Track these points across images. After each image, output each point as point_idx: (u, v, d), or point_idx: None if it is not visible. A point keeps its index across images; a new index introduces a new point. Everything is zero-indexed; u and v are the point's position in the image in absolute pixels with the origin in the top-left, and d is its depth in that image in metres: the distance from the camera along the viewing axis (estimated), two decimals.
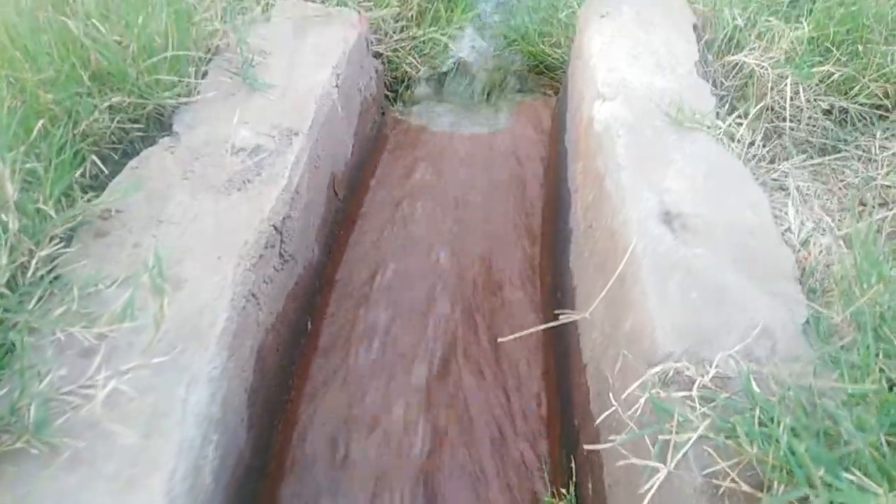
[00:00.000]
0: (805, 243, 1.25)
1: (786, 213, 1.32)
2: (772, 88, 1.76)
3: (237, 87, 1.43)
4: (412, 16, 2.16)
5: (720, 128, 1.44)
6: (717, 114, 1.55)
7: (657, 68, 1.59)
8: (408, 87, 2.33)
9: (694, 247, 1.10)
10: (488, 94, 2.44)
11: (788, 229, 1.28)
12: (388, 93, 2.27)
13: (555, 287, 1.58)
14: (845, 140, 1.64)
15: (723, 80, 1.88)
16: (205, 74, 1.47)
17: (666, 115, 1.42)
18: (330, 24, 1.69)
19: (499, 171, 1.90)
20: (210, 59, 1.51)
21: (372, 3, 1.95)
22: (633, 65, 1.59)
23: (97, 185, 1.20)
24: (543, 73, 2.51)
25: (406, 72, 2.25)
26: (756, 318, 0.99)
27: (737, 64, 1.86)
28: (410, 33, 2.16)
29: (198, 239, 1.08)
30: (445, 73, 2.41)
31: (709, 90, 1.56)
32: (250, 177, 1.22)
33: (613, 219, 1.23)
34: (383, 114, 2.09)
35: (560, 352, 1.46)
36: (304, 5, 1.77)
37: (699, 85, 1.56)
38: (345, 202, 1.68)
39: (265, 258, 1.16)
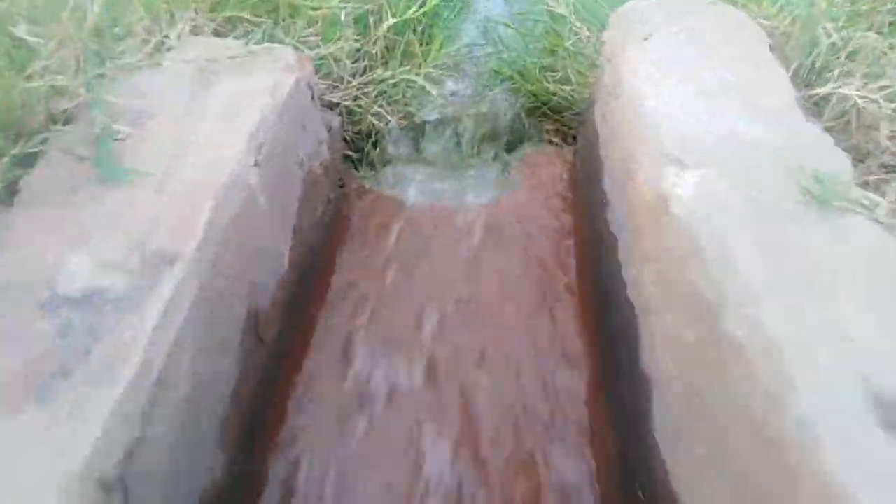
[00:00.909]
0: None
1: None
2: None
3: (84, 179, 0.86)
4: (377, 53, 1.62)
5: (878, 204, 0.90)
6: None
7: (745, 110, 1.05)
8: (376, 144, 1.77)
9: None
10: (479, 147, 1.90)
11: None
12: (351, 152, 1.72)
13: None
14: None
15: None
16: (36, 158, 0.90)
17: (796, 187, 0.87)
18: (252, 69, 1.13)
19: (507, 277, 1.31)
20: (48, 135, 0.94)
21: (319, 38, 1.40)
22: (710, 107, 1.05)
23: None
24: (547, 116, 1.97)
25: (373, 124, 1.70)
26: None
27: (829, 97, 1.34)
28: (376, 75, 1.61)
29: None
30: (424, 123, 1.87)
31: (831, 140, 1.03)
32: (70, 363, 0.64)
33: (756, 397, 0.66)
34: (342, 185, 1.53)
35: None
36: (216, 44, 1.21)
37: (815, 134, 1.02)
38: (276, 346, 1.09)
39: None
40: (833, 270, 0.75)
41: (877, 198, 0.89)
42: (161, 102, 1.00)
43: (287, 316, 1.09)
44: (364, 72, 1.64)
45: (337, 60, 1.49)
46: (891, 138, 1.27)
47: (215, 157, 0.92)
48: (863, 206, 0.85)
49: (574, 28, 1.86)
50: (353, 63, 1.55)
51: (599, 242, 1.22)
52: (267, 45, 1.25)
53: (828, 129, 1.33)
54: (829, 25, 1.34)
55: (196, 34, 1.28)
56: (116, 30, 1.19)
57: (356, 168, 1.72)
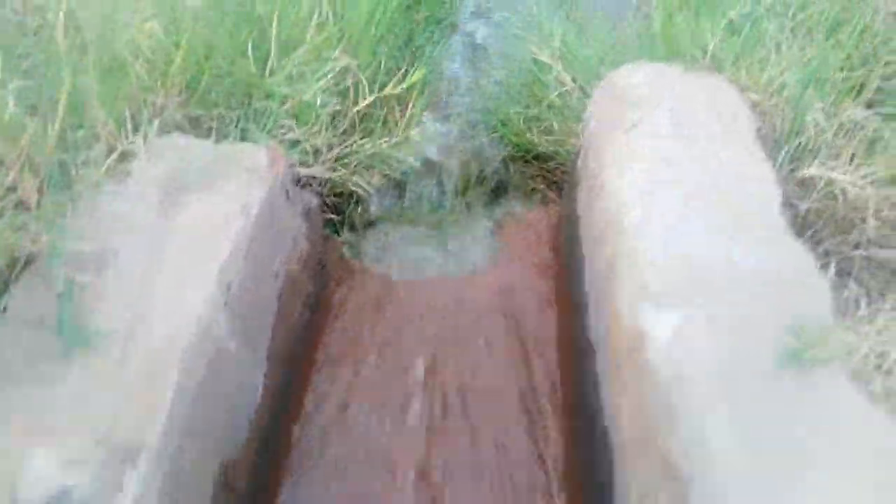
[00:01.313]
0: None
1: None
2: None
3: (45, 348, 0.83)
4: (354, 123, 1.58)
5: (855, 350, 0.88)
6: None
7: (731, 224, 1.02)
8: (358, 204, 1.75)
9: None
10: (464, 199, 1.87)
11: None
12: (333, 215, 1.69)
13: None
14: None
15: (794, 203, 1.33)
16: None
17: (778, 333, 0.85)
18: (222, 182, 1.10)
19: (494, 367, 1.29)
20: (10, 283, 0.91)
21: (293, 121, 1.36)
22: (695, 222, 1.03)
23: None
24: (531, 163, 1.94)
25: (353, 189, 1.66)
26: None
27: (812, 179, 1.32)
28: (354, 142, 1.57)
29: None
30: (406, 177, 1.83)
31: (813, 261, 1.00)
32: None
33: None
34: (323, 266, 1.49)
35: None
36: (184, 148, 1.17)
37: (797, 260, 1.00)
38: (251, 488, 1.04)
39: None
40: (812, 451, 0.74)
41: (854, 341, 0.87)
42: (124, 240, 0.97)
43: (262, 456, 1.07)
44: (343, 137, 1.60)
45: (313, 135, 1.45)
46: (877, 228, 1.25)
47: (181, 307, 0.89)
48: (841, 357, 0.84)
49: (558, 76, 1.82)
50: (331, 135, 1.51)
51: (579, 348, 1.20)
52: (238, 145, 1.22)
53: (813, 211, 1.32)
54: (818, 105, 1.30)
55: (165, 128, 1.24)
56: (81, 133, 1.15)
57: (338, 233, 1.69)
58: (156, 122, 1.20)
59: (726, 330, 0.87)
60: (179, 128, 1.26)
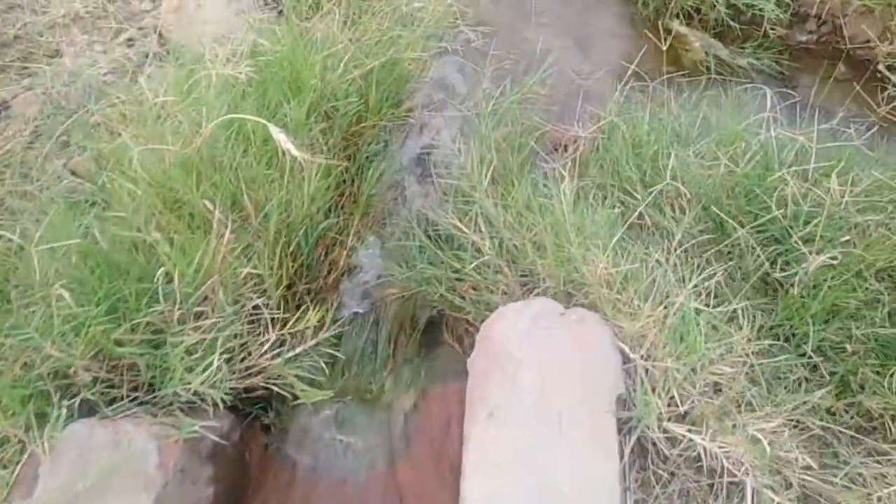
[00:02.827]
0: None
1: None
2: None
3: None
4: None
5: None
6: None
7: None
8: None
9: None
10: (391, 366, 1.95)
11: None
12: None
13: None
14: None
15: None
16: None
17: None
18: (113, 491, 1.24)
19: None
20: None
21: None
22: None
23: None
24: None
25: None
26: None
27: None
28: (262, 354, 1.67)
29: None
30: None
31: None
32: None
33: None
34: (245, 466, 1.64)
35: None
36: (87, 443, 1.31)
37: None
38: None
39: None
40: None
41: None
42: None
43: None
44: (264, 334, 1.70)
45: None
46: None
47: None
48: None
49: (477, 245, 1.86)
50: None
51: None
52: (132, 445, 1.31)
53: None
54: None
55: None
56: None
57: (266, 409, 1.80)
58: (63, 411, 1.34)
59: None
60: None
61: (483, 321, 1.87)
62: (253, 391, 1.74)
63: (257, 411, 1.78)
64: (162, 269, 1.43)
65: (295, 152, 1.50)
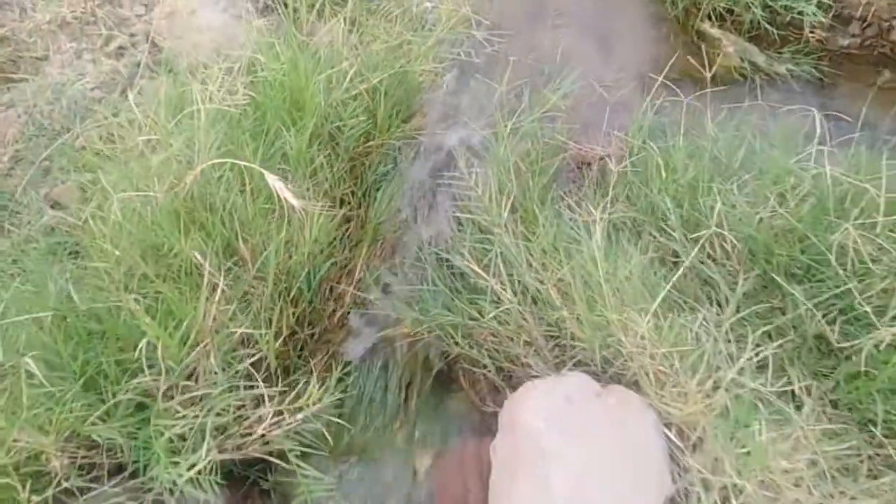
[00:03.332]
0: None
1: None
2: None
3: None
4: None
5: None
6: None
7: None
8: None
9: None
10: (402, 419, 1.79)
11: None
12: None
13: None
14: None
15: None
16: None
17: None
18: None
19: None
20: None
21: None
22: None
23: None
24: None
25: None
26: None
27: None
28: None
29: None
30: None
31: None
32: None
33: None
34: None
35: None
36: None
37: None
38: None
39: None
40: None
41: None
42: None
43: None
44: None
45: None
46: None
47: None
48: None
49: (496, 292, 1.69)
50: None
51: None
52: None
53: None
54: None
55: None
56: None
57: (266, 476, 1.65)
58: None
59: None
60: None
61: (503, 376, 1.72)
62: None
63: (255, 475, 1.62)
64: (144, 339, 1.26)
65: (294, 201, 1.33)
